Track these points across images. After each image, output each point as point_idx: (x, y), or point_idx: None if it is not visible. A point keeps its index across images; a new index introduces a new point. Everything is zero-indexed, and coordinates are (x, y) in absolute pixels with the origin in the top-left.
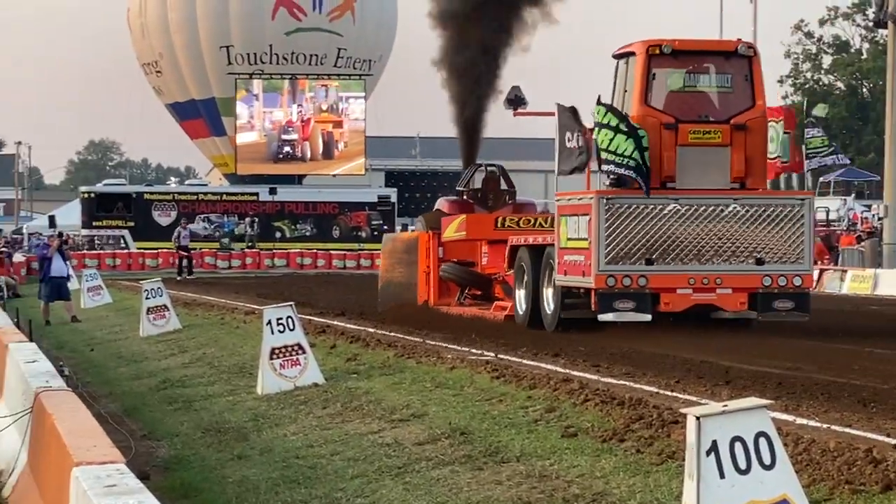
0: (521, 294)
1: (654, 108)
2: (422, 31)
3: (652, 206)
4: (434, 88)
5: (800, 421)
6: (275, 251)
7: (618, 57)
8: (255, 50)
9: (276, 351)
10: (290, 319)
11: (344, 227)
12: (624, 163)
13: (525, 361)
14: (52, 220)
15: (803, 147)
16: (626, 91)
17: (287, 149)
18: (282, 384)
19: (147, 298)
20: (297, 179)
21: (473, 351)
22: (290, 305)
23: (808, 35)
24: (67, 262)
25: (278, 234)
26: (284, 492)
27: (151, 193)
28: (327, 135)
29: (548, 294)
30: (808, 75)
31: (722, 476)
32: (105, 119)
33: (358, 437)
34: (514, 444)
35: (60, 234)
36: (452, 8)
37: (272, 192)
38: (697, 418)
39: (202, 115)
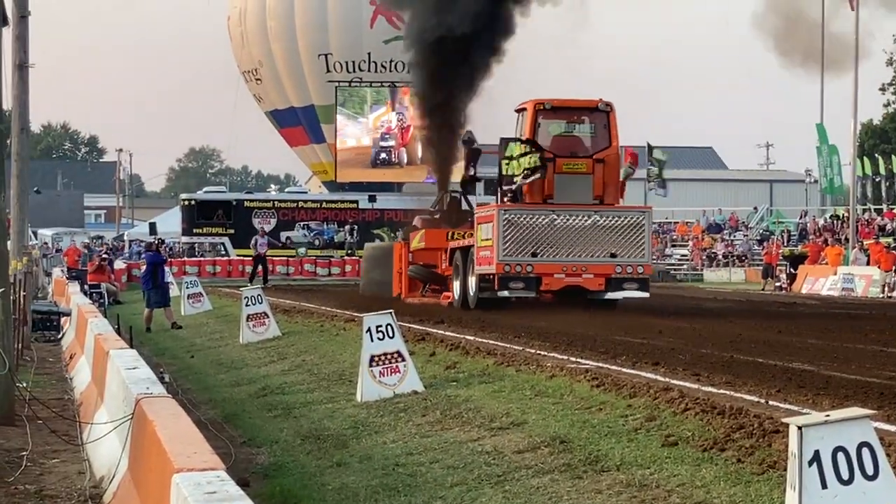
0: (456, 284)
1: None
2: (519, 40)
3: (536, 216)
4: (535, 93)
5: None
6: None
7: (517, 111)
8: (354, 58)
9: (376, 358)
10: (389, 327)
11: None
12: (532, 171)
13: (625, 370)
14: (152, 227)
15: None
16: (521, 135)
17: (383, 155)
18: (381, 391)
19: (247, 305)
20: (395, 187)
21: (572, 359)
22: (390, 313)
23: None
24: (168, 269)
25: (378, 242)
26: (384, 499)
27: (251, 201)
28: None
29: (471, 281)
30: None
31: (824, 486)
32: (206, 127)
33: (457, 444)
34: (614, 452)
35: (162, 241)
36: (417, 59)
37: (372, 199)
38: (799, 428)
39: (301, 123)
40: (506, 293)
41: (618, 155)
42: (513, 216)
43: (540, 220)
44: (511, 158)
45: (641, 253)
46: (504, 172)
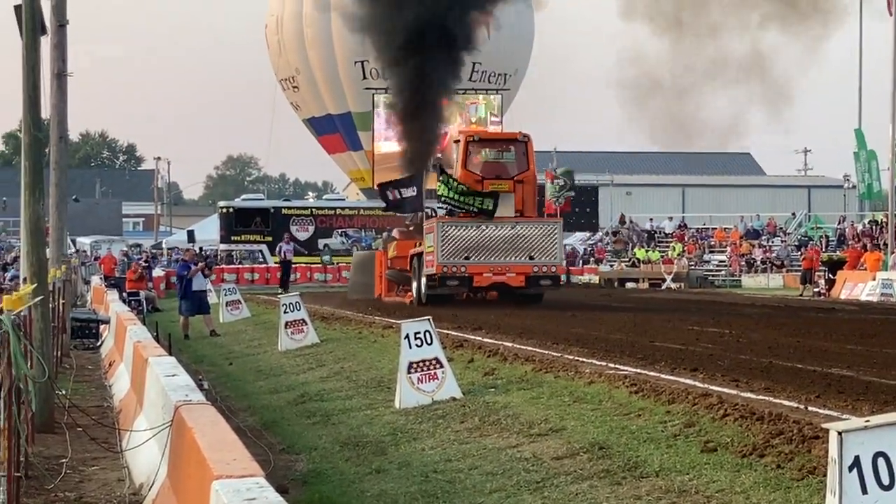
0: (414, 284)
1: (470, 171)
2: (558, 46)
3: (468, 227)
4: (570, 102)
5: None
6: None
7: (454, 142)
8: None
9: (414, 365)
10: (427, 334)
11: None
12: (451, 201)
13: (663, 376)
14: (190, 234)
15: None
16: (456, 161)
17: None
18: (420, 398)
19: (285, 313)
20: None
21: (611, 365)
22: (428, 319)
23: None
24: (207, 278)
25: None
26: None
27: (289, 208)
28: None
29: (423, 281)
30: None
31: (864, 492)
32: (243, 134)
33: (496, 451)
34: (653, 458)
35: (206, 258)
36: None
37: None
38: (839, 433)
39: (339, 130)
40: (445, 290)
41: (535, 176)
42: (449, 228)
43: (471, 230)
44: (451, 190)
45: (554, 255)
46: (440, 193)
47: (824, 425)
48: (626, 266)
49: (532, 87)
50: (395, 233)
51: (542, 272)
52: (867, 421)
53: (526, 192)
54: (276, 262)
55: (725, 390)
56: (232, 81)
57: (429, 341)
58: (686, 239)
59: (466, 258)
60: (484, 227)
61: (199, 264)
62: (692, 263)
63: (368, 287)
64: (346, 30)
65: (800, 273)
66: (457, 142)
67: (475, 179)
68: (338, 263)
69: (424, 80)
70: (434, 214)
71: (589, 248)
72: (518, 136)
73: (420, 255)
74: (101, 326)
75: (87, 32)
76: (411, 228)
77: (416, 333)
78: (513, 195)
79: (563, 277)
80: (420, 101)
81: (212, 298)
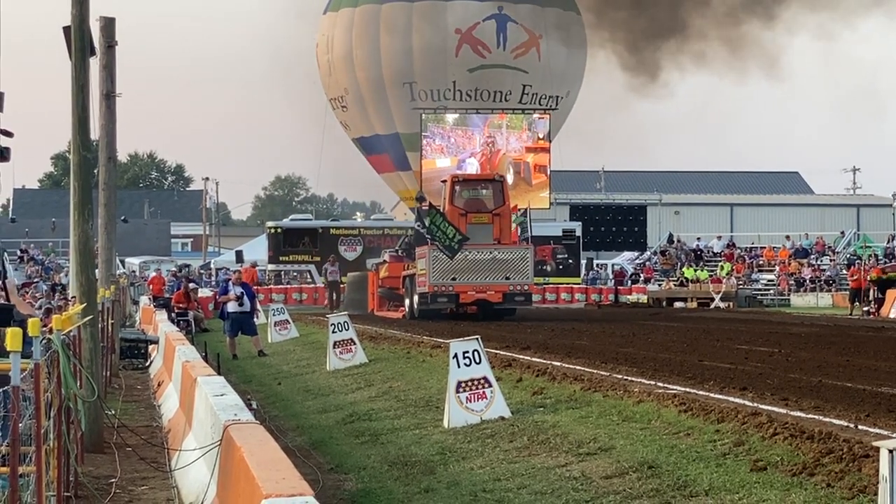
0: (407, 301)
1: (456, 206)
2: (610, 68)
3: None
4: (619, 123)
5: None
6: None
7: (442, 182)
8: (438, 87)
9: (463, 384)
10: (476, 353)
11: None
12: (438, 237)
13: (712, 395)
14: (239, 255)
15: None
16: (445, 198)
17: None
18: (468, 417)
19: (333, 332)
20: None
21: (660, 385)
22: (477, 339)
23: None
24: (249, 299)
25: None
26: None
27: (337, 228)
28: (524, 166)
29: (415, 298)
30: None
31: None
32: (292, 154)
33: (545, 470)
34: (702, 477)
35: (241, 296)
36: None
37: None
38: (890, 451)
39: (387, 150)
40: (435, 305)
41: (509, 209)
42: (438, 254)
43: (457, 255)
44: (433, 223)
45: (526, 276)
46: (430, 230)
47: (874, 443)
48: (675, 285)
49: (586, 106)
50: (385, 256)
51: (516, 290)
52: None
53: (503, 223)
54: (322, 284)
55: (775, 409)
56: (280, 102)
57: (477, 360)
58: (734, 258)
59: (453, 279)
60: (468, 253)
61: (231, 294)
62: (741, 282)
63: (362, 303)
64: (395, 51)
65: (849, 292)
66: (444, 181)
67: (459, 213)
68: None
69: None
70: (426, 242)
71: (637, 268)
72: (494, 177)
73: (412, 276)
74: (150, 346)
75: (135, 53)
76: (400, 253)
77: (464, 353)
78: (491, 226)
79: (600, 298)
80: None
81: (260, 319)
